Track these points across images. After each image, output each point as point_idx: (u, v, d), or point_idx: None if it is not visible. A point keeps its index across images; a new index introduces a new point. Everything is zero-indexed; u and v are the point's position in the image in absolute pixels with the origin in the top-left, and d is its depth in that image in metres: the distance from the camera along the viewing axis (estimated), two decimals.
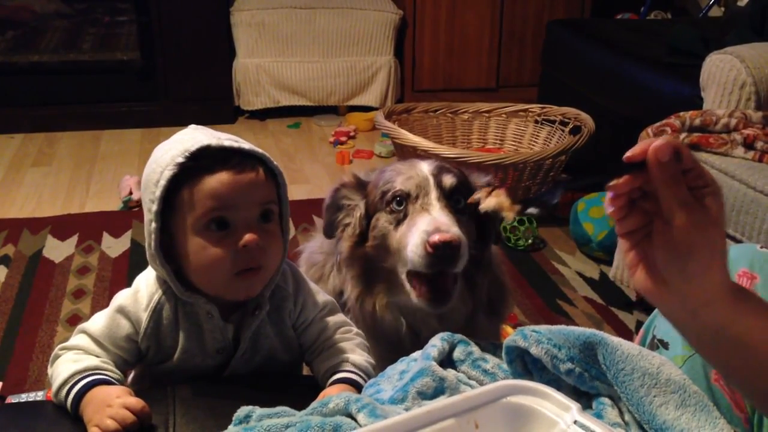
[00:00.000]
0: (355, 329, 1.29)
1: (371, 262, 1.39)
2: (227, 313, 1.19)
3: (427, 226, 1.28)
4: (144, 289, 1.19)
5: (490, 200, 0.85)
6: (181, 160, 1.10)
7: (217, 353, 1.20)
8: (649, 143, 0.76)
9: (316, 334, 1.26)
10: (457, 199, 1.36)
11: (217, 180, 1.10)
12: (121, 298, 1.19)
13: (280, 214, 1.19)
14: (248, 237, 1.10)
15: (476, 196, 0.87)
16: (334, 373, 1.20)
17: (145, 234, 1.14)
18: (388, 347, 1.33)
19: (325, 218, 1.46)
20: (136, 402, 1.03)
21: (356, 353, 1.23)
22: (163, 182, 1.10)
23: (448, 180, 1.37)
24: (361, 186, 1.45)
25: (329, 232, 1.45)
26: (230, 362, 1.21)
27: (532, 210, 0.84)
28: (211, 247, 1.10)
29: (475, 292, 1.41)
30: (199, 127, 1.19)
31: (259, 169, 1.14)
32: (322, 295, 1.29)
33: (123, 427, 1.00)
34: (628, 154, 0.77)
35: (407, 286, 1.33)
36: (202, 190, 1.10)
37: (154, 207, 1.10)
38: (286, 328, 1.25)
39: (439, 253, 1.25)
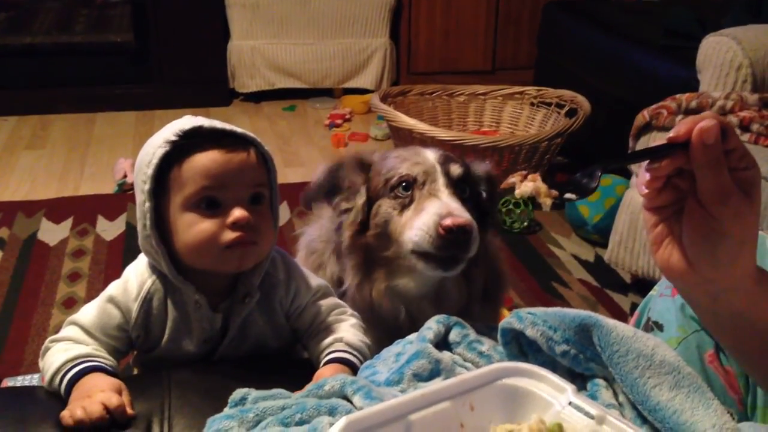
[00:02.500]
0: (350, 310, 1.29)
1: (372, 252, 1.37)
2: (216, 302, 1.19)
3: (439, 210, 1.27)
4: (134, 279, 1.18)
5: (527, 185, 0.81)
6: (173, 138, 1.10)
7: (204, 343, 1.20)
8: (695, 122, 0.71)
9: (311, 318, 1.26)
10: (462, 189, 1.35)
11: (209, 158, 1.10)
12: (111, 288, 1.18)
13: (271, 200, 1.19)
14: (238, 213, 1.10)
15: (510, 180, 0.83)
16: (329, 353, 1.20)
17: (137, 216, 1.14)
18: (387, 334, 1.31)
19: (312, 191, 1.42)
20: (116, 401, 1.02)
21: (350, 333, 1.23)
22: (155, 161, 1.10)
23: (456, 169, 1.36)
24: (362, 167, 1.41)
25: (307, 203, 1.43)
26: (217, 351, 1.21)
27: (569, 195, 0.77)
28: (200, 222, 1.10)
29: (471, 283, 1.40)
30: (197, 117, 1.19)
31: (251, 151, 1.14)
32: (314, 279, 1.28)
33: (89, 420, 1.00)
34: (671, 134, 0.72)
35: (413, 259, 1.31)
36: (193, 168, 1.10)
37: (147, 186, 1.10)
38: (277, 315, 1.24)
39: (452, 237, 1.23)
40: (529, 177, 0.74)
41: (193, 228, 1.10)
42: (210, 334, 1.19)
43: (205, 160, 1.10)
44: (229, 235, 1.10)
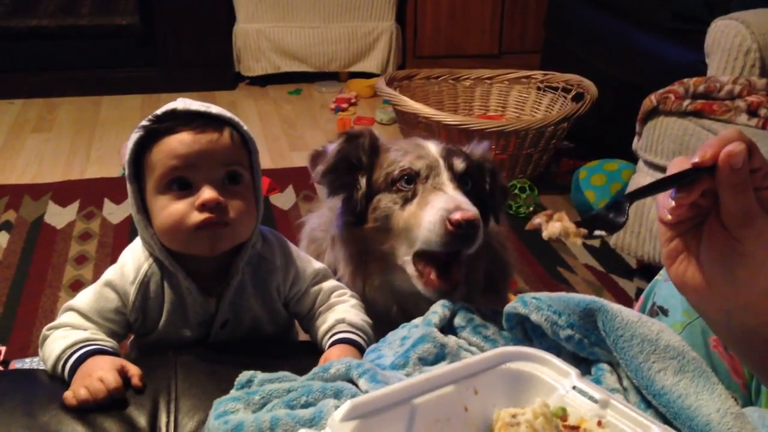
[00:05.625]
0: (349, 291, 1.29)
1: (368, 244, 1.34)
2: (210, 287, 1.19)
3: (446, 204, 1.23)
4: (130, 262, 1.18)
5: (554, 226, 0.77)
6: (145, 123, 1.12)
7: (199, 326, 1.20)
8: (721, 145, 0.69)
9: (312, 302, 1.26)
10: (465, 182, 1.33)
11: (178, 140, 1.10)
12: (108, 273, 1.19)
13: (253, 182, 1.18)
14: (206, 194, 1.09)
15: (536, 221, 0.80)
16: (333, 334, 1.20)
17: (130, 201, 1.17)
18: (380, 329, 1.30)
19: (328, 159, 1.35)
20: (113, 379, 1.03)
21: (351, 313, 1.24)
22: (131, 145, 1.12)
23: (459, 163, 1.33)
24: (374, 150, 1.38)
25: (315, 165, 1.36)
26: (209, 334, 1.21)
27: (599, 233, 0.75)
28: (171, 204, 1.10)
29: (470, 275, 1.37)
30: (187, 99, 1.18)
31: (225, 132, 1.13)
32: (313, 263, 1.29)
33: (94, 400, 1.01)
34: (696, 159, 0.70)
35: (411, 270, 1.28)
36: (163, 150, 1.10)
37: (127, 171, 1.13)
38: (273, 300, 1.24)
39: (461, 231, 1.20)
40: (555, 216, 0.72)
41: (164, 210, 1.11)
42: (204, 318, 1.20)
43: (174, 141, 1.10)
44: (198, 216, 1.09)
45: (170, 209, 1.10)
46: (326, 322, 1.23)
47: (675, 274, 0.77)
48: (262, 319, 1.24)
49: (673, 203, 0.73)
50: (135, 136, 1.12)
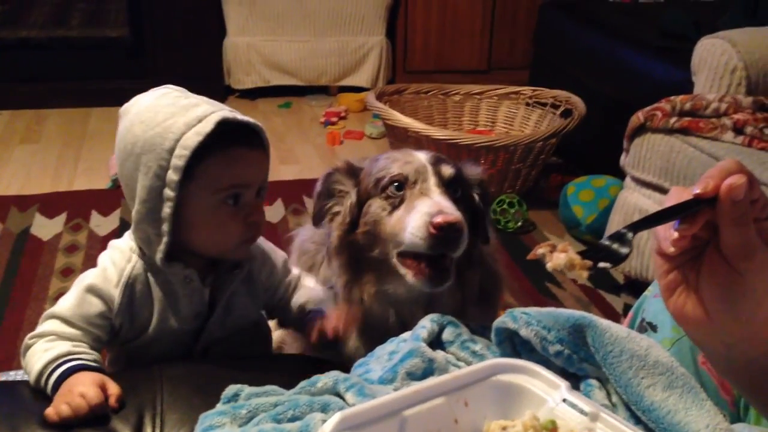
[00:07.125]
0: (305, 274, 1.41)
1: (360, 251, 1.35)
2: (202, 277, 1.21)
3: (429, 208, 1.25)
4: (111, 266, 1.18)
5: (559, 257, 0.76)
6: (207, 130, 1.08)
7: (194, 319, 1.21)
8: (722, 176, 0.69)
9: (284, 290, 1.35)
10: (454, 189, 1.34)
11: (240, 156, 1.14)
12: (89, 277, 1.17)
13: None
14: (258, 215, 1.18)
15: (539, 251, 0.78)
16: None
17: (140, 198, 1.13)
18: (377, 337, 1.31)
19: (315, 205, 1.42)
20: (94, 395, 1.02)
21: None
22: (185, 152, 1.08)
23: (447, 170, 1.34)
24: (353, 172, 1.40)
25: (318, 219, 1.42)
26: (206, 326, 1.23)
27: (603, 264, 0.74)
28: (226, 219, 1.15)
29: (465, 287, 1.38)
30: (176, 88, 1.21)
31: (263, 147, 1.18)
32: (279, 253, 1.37)
33: (76, 415, 1.00)
34: (698, 190, 0.69)
35: (400, 267, 1.30)
36: (226, 165, 1.12)
37: (174, 176, 1.09)
38: (255, 285, 1.29)
39: (443, 234, 1.22)
40: (559, 247, 0.72)
41: (218, 225, 1.15)
42: (200, 309, 1.21)
43: (236, 158, 1.13)
44: (247, 233, 1.17)
45: (224, 224, 1.15)
46: (303, 296, 1.33)
47: (674, 307, 0.76)
48: (249, 305, 1.29)
49: (676, 235, 0.72)
50: (192, 143, 1.08)
